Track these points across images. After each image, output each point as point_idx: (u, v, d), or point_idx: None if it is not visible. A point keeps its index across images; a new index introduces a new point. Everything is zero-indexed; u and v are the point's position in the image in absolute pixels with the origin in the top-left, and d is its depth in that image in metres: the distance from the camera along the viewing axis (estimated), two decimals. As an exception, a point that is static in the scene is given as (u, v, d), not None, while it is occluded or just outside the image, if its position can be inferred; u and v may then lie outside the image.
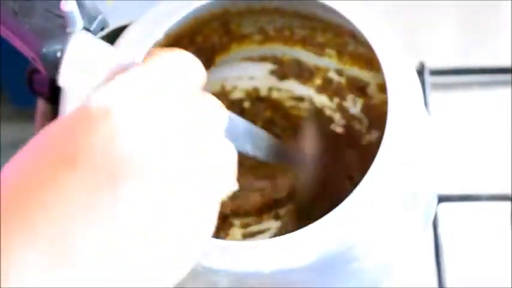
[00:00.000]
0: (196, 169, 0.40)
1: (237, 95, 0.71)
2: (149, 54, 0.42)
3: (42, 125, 0.78)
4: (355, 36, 0.60)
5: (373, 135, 0.68)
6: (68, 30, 0.59)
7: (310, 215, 0.64)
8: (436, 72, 0.75)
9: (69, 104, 0.75)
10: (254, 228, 0.69)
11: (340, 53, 0.67)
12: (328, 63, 0.68)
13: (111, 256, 0.37)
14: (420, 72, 0.73)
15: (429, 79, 0.74)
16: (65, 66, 0.41)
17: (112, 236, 0.37)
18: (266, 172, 0.69)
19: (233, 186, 0.43)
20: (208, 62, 0.68)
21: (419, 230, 0.59)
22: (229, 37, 0.67)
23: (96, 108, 0.38)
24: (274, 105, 0.71)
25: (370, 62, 0.64)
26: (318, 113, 0.70)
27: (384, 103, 0.56)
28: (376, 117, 0.67)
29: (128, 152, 0.38)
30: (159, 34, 0.60)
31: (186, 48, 0.65)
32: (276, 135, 0.65)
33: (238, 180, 0.45)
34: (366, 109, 0.68)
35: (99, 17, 0.59)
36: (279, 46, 0.68)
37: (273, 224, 0.69)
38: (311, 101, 0.70)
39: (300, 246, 0.52)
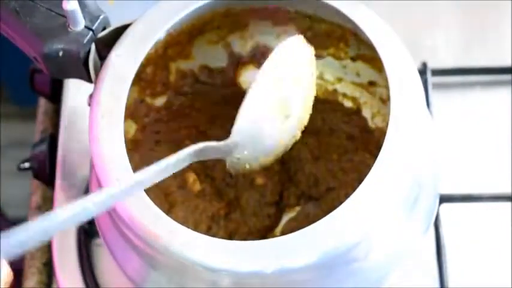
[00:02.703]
0: None
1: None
2: None
3: (44, 125, 0.78)
4: (357, 36, 0.60)
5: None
6: (69, 29, 0.59)
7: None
8: (438, 72, 0.75)
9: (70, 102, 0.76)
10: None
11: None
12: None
13: None
14: (422, 72, 0.73)
15: (431, 79, 0.73)
16: None
17: None
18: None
19: None
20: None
21: (420, 230, 0.59)
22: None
23: None
24: None
25: (373, 61, 0.64)
26: None
27: None
28: None
29: None
30: (161, 33, 0.60)
31: (187, 45, 0.65)
32: None
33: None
34: None
35: (101, 16, 0.59)
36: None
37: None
38: None
39: (300, 246, 0.52)
